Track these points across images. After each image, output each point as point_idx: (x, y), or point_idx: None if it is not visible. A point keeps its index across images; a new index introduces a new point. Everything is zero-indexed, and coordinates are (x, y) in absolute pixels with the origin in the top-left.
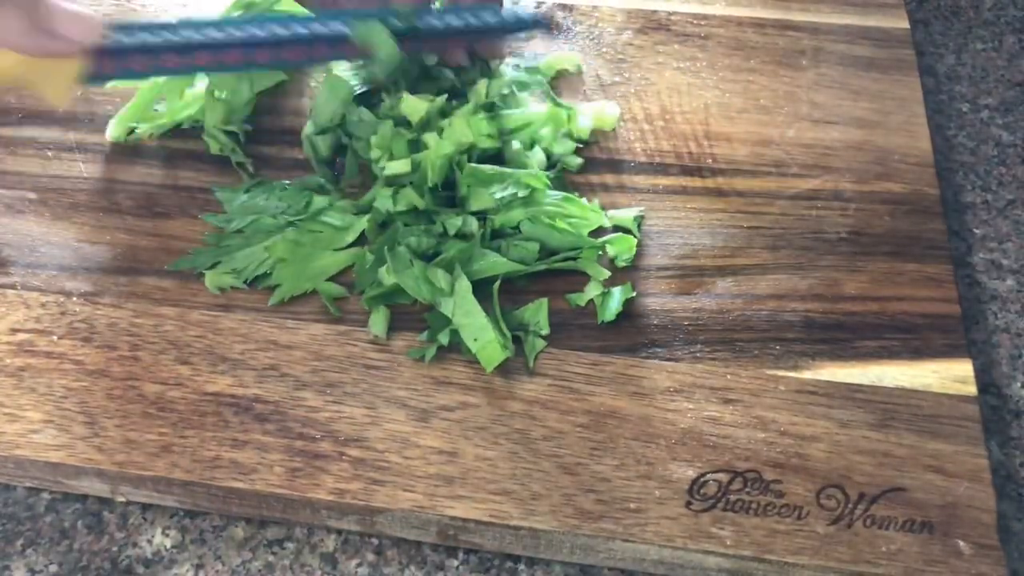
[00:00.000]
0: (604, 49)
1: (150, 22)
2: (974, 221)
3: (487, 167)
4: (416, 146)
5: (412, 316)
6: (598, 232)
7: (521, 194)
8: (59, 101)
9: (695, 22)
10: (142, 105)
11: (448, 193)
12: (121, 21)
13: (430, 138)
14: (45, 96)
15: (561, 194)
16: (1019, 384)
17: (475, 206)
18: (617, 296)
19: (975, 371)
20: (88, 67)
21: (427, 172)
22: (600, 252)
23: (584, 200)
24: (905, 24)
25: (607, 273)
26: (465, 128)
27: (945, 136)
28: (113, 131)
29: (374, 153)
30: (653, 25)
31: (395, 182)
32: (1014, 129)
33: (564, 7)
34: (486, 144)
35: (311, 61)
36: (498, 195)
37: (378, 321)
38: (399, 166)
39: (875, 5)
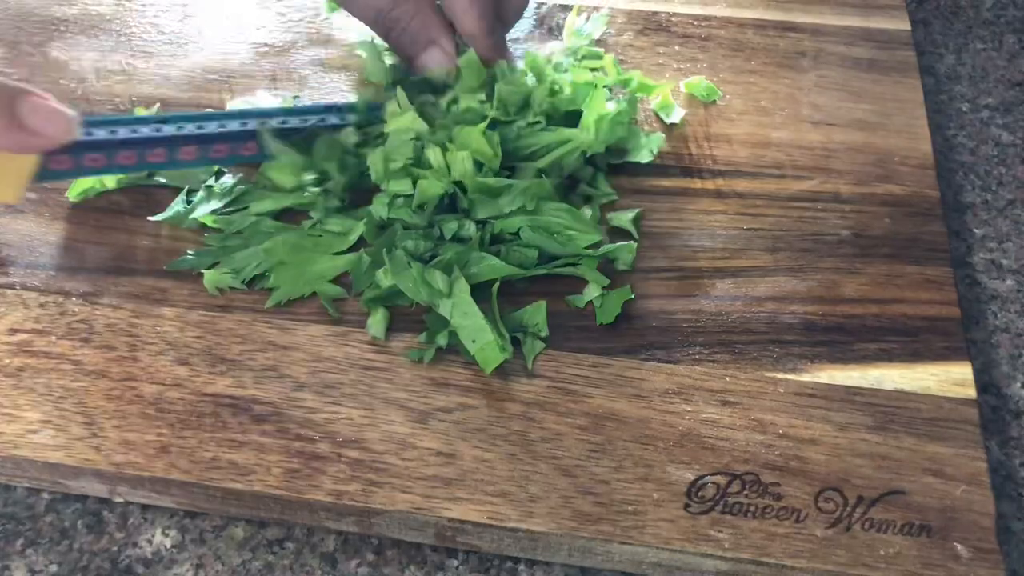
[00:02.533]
0: (605, 50)
1: (109, 117)
2: (974, 221)
3: (493, 181)
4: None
5: (411, 317)
6: (597, 245)
7: (530, 207)
8: (12, 198)
9: (696, 23)
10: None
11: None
12: (89, 117)
13: (432, 153)
14: None
15: (564, 205)
16: (1019, 384)
17: (481, 214)
18: (616, 299)
19: (975, 371)
20: (42, 163)
21: (424, 194)
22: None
23: (586, 209)
24: (906, 26)
25: (606, 280)
26: (465, 160)
27: (945, 136)
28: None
29: (374, 176)
30: (654, 26)
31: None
32: (1014, 129)
33: (564, 8)
34: (492, 165)
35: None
36: (507, 209)
37: (376, 322)
38: (400, 187)
39: (876, 7)
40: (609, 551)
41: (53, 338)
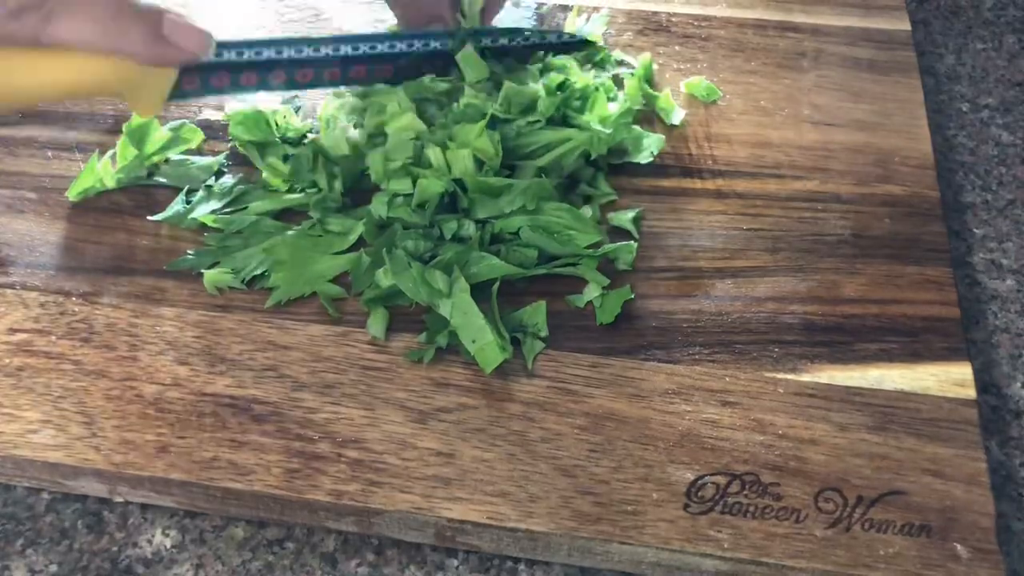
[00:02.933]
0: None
1: (240, 40)
2: (974, 221)
3: (494, 180)
4: (421, 153)
5: (411, 317)
6: (597, 244)
7: (530, 207)
8: (149, 112)
9: (696, 23)
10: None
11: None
12: (222, 39)
13: (432, 153)
14: (135, 107)
15: (564, 205)
16: (1019, 384)
17: (481, 214)
18: (615, 299)
19: (975, 371)
20: (178, 81)
21: (424, 193)
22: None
23: (586, 209)
24: (906, 26)
25: (606, 280)
26: (466, 159)
27: (945, 136)
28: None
29: (374, 176)
30: (654, 27)
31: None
32: (1014, 129)
33: (564, 8)
34: (493, 164)
35: (396, 78)
36: (507, 209)
37: (376, 323)
38: (400, 186)
39: (876, 7)
40: (608, 551)
41: (53, 338)
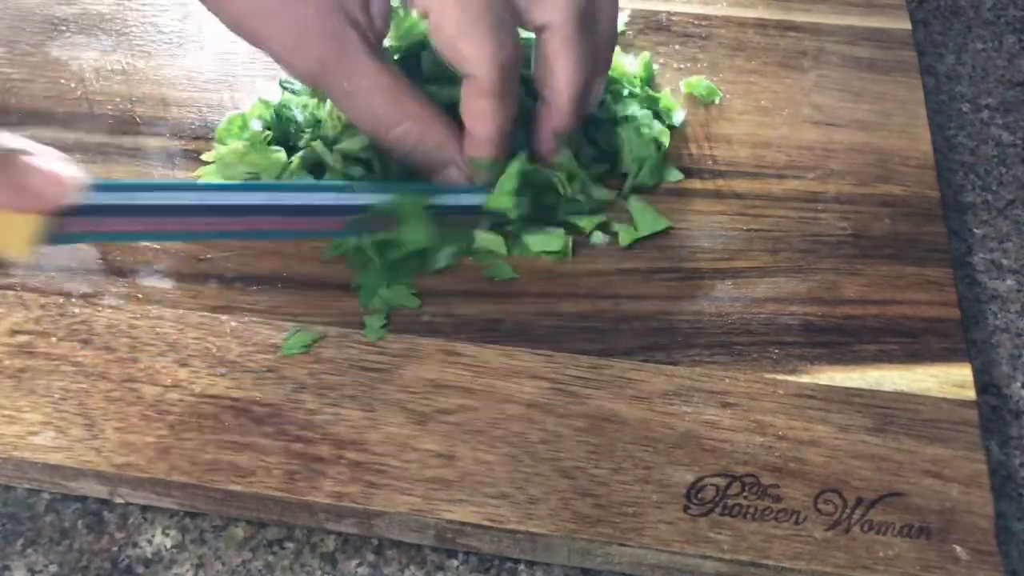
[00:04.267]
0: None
1: (126, 183)
2: (974, 221)
3: None
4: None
5: (411, 318)
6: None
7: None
8: (17, 256)
9: (696, 23)
10: None
11: None
12: (97, 181)
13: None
14: (2, 251)
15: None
16: (1019, 384)
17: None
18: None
19: (975, 371)
20: (50, 225)
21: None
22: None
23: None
24: (907, 25)
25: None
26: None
27: (945, 136)
28: None
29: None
30: (654, 26)
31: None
32: (1014, 129)
33: None
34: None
35: (313, 232)
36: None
37: (376, 324)
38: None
39: (877, 6)
40: (608, 553)
41: (53, 339)
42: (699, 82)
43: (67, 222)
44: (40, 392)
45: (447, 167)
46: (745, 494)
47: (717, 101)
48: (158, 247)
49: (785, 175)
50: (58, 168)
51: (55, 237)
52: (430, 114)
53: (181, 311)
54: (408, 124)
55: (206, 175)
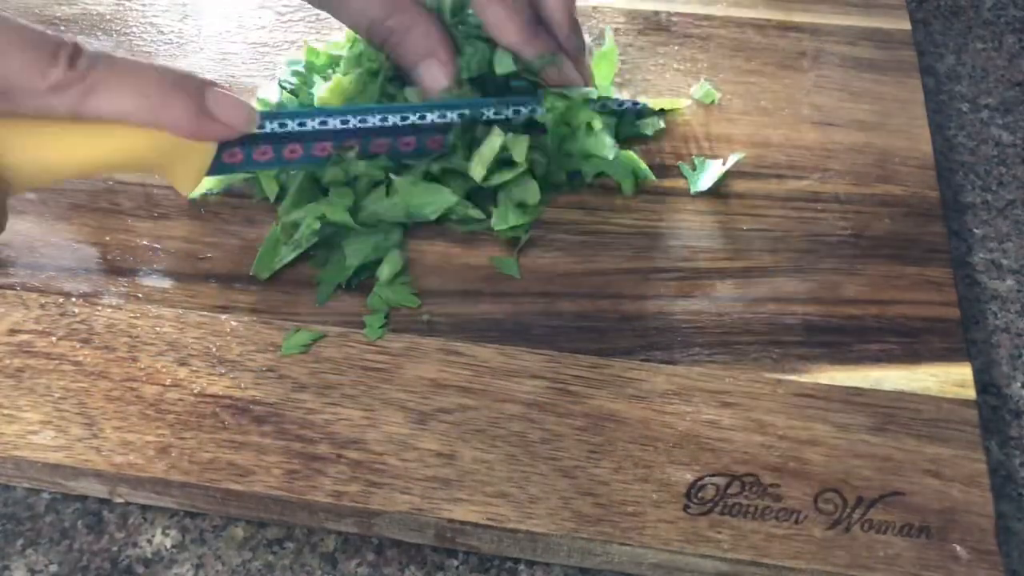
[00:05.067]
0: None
1: (281, 111)
2: (974, 221)
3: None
4: None
5: (411, 318)
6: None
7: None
8: (187, 188)
9: (696, 23)
10: None
11: None
12: (266, 112)
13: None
14: (173, 183)
15: None
16: (1019, 384)
17: None
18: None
19: (975, 371)
20: (220, 156)
21: None
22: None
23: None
24: (907, 25)
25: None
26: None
27: (945, 136)
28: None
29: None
30: (654, 26)
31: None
32: (1014, 129)
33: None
34: None
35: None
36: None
37: (376, 323)
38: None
39: (877, 6)
40: (608, 552)
41: (53, 339)
42: (699, 86)
43: (227, 154)
44: (40, 391)
45: (428, 60)
46: (745, 493)
47: (717, 101)
48: (158, 246)
49: (785, 175)
50: (239, 98)
51: (220, 168)
52: (417, 8)
53: (181, 311)
54: (398, 16)
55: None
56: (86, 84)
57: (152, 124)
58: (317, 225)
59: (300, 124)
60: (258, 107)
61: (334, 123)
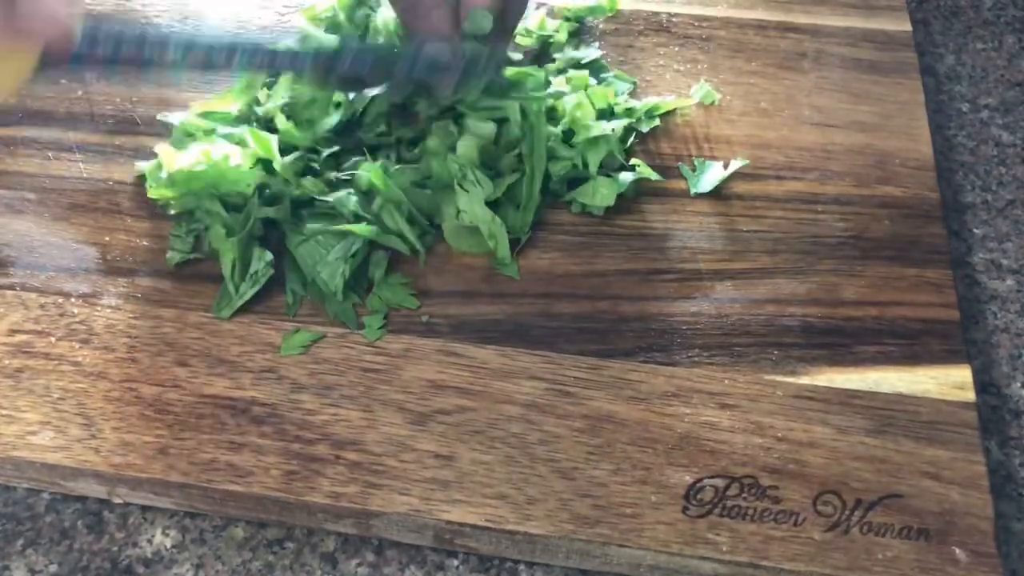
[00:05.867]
0: (605, 51)
1: (114, 29)
2: (974, 221)
3: None
4: None
5: (410, 319)
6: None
7: None
8: (5, 93)
9: (696, 24)
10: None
11: None
12: (91, 17)
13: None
14: None
15: None
16: (1019, 384)
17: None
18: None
19: (974, 371)
20: (44, 57)
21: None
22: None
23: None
24: (907, 27)
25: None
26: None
27: (945, 136)
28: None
29: None
30: (654, 27)
31: None
32: (1014, 129)
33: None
34: None
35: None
36: None
37: (373, 325)
38: None
39: (877, 7)
40: (607, 554)
41: (52, 339)
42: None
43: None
44: (39, 392)
45: (435, 7)
46: (744, 495)
47: (717, 102)
48: (158, 247)
49: (785, 176)
50: (53, 5)
51: (45, 67)
52: None
53: (181, 311)
54: None
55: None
56: None
57: None
58: (269, 257)
59: (135, 44)
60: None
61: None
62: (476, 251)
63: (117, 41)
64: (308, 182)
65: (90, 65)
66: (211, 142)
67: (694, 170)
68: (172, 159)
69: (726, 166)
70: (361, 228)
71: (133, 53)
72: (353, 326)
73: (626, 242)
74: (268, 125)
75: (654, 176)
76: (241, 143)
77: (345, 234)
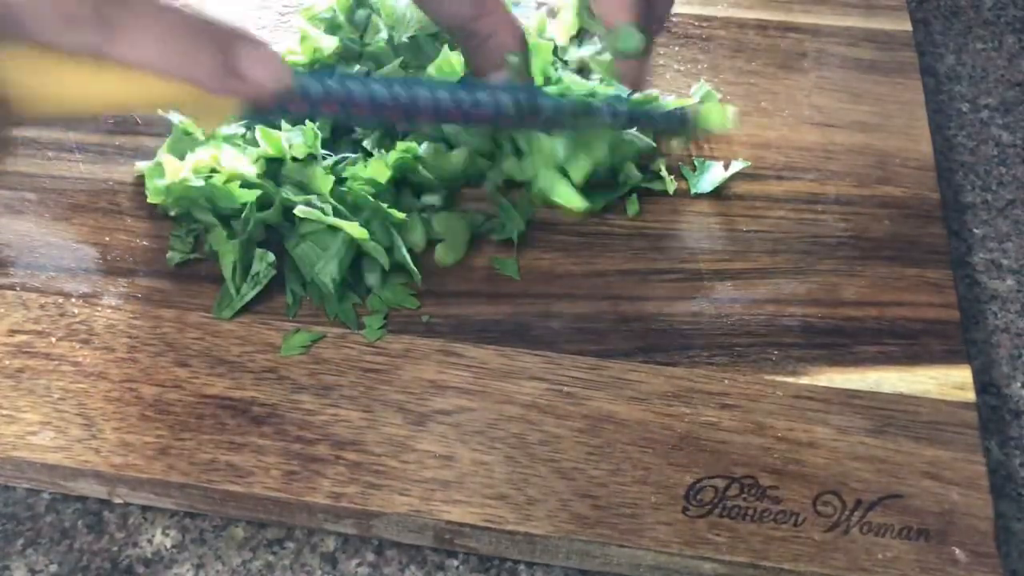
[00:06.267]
0: (605, 52)
1: (322, 73)
2: (974, 221)
3: None
4: None
5: (410, 319)
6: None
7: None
8: (210, 129)
9: (696, 24)
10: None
11: None
12: (302, 69)
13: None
14: (196, 122)
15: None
16: (1019, 384)
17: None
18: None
19: (974, 371)
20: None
21: None
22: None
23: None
24: (907, 27)
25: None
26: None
27: (945, 136)
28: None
29: None
30: None
31: None
32: (1014, 129)
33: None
34: None
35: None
36: None
37: (373, 325)
38: None
39: (877, 7)
40: (607, 554)
41: (53, 339)
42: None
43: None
44: (39, 392)
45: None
46: (744, 496)
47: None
48: (158, 247)
49: (785, 176)
50: (270, 51)
51: (251, 114)
52: (505, 11)
53: (181, 311)
54: (486, 19)
55: None
56: (102, 23)
57: (174, 77)
58: (271, 258)
59: (341, 87)
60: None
61: (380, 91)
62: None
63: (325, 94)
64: (318, 172)
65: (294, 111)
66: (214, 147)
67: (695, 170)
68: (171, 169)
69: (726, 166)
70: (352, 227)
71: (337, 108)
72: (353, 326)
73: (626, 242)
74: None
75: (671, 188)
76: (247, 142)
77: (338, 232)
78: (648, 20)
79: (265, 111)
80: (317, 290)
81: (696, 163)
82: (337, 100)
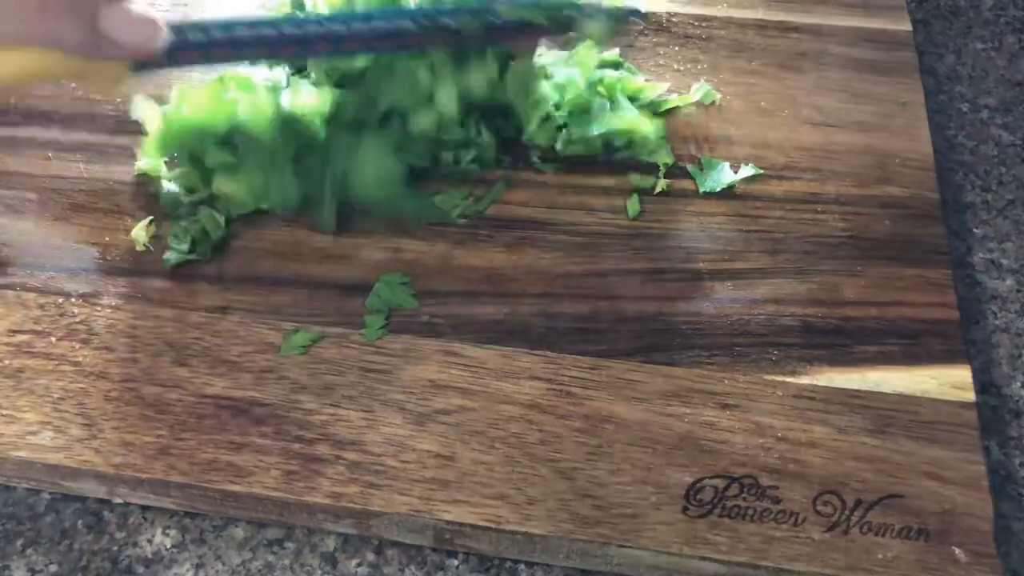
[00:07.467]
0: (605, 52)
1: (214, 20)
2: (974, 221)
3: None
4: None
5: (410, 319)
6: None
7: None
8: (108, 92)
9: (696, 24)
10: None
11: None
12: (182, 21)
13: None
14: (91, 88)
15: None
16: (1019, 384)
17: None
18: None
19: (974, 371)
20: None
21: None
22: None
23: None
24: (907, 27)
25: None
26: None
27: (945, 136)
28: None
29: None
30: (654, 27)
31: None
32: (1014, 129)
33: None
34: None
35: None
36: None
37: (374, 325)
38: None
39: (878, 7)
40: (607, 554)
41: (53, 339)
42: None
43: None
44: (39, 392)
45: None
46: (744, 495)
47: (717, 102)
48: (157, 247)
49: (785, 176)
50: (140, 13)
51: (141, 68)
52: None
53: (181, 311)
54: None
55: None
56: None
57: (40, 46)
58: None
59: (225, 32)
60: None
61: (266, 31)
62: None
63: (207, 37)
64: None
65: (186, 61)
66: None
67: (702, 169)
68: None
69: (735, 169)
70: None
71: (225, 47)
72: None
73: (626, 242)
74: None
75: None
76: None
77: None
78: None
79: (156, 65)
80: (370, 195)
81: (704, 161)
82: (228, 44)
